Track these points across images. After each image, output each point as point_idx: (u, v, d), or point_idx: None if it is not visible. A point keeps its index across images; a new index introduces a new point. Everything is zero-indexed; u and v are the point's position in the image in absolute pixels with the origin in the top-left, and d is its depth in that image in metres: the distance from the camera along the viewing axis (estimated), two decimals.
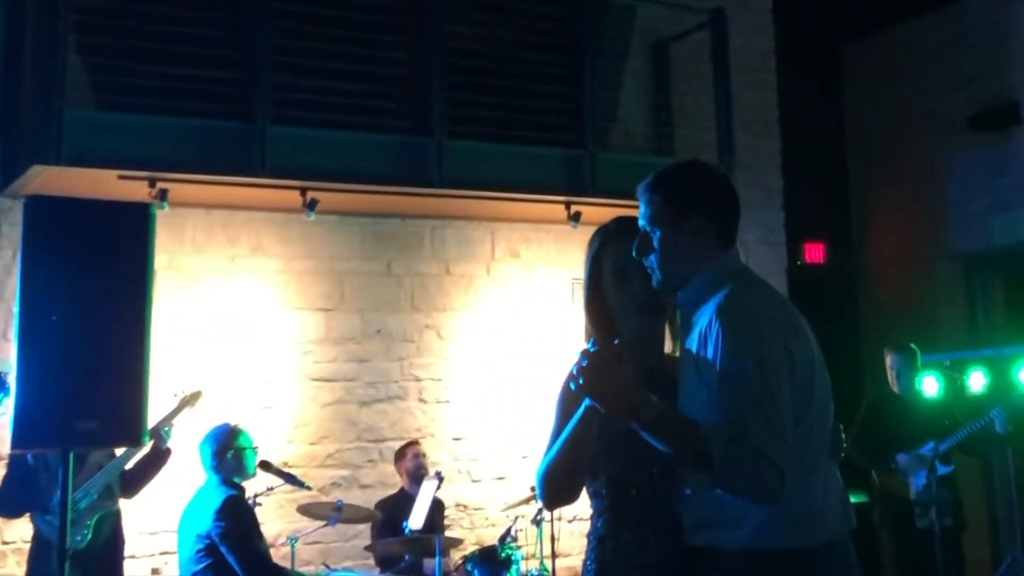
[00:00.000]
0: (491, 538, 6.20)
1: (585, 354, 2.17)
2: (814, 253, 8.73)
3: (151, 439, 5.05)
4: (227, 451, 5.14)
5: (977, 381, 6.40)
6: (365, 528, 6.06)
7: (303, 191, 5.94)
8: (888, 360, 6.35)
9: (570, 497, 2.44)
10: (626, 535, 2.38)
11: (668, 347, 2.56)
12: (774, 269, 7.62)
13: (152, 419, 3.90)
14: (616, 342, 2.24)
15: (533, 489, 2.58)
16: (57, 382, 3.28)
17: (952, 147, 8.34)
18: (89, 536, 5.03)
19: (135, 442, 3.81)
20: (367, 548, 5.89)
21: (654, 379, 2.36)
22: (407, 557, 5.56)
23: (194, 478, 5.24)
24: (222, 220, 6.33)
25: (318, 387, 6.49)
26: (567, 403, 2.38)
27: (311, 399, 6.47)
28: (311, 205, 5.99)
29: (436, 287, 6.86)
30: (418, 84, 6.27)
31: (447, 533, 6.10)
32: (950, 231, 8.43)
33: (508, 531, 5.74)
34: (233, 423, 5.31)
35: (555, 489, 2.41)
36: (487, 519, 6.74)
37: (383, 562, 5.79)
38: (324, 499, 5.94)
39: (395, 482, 6.28)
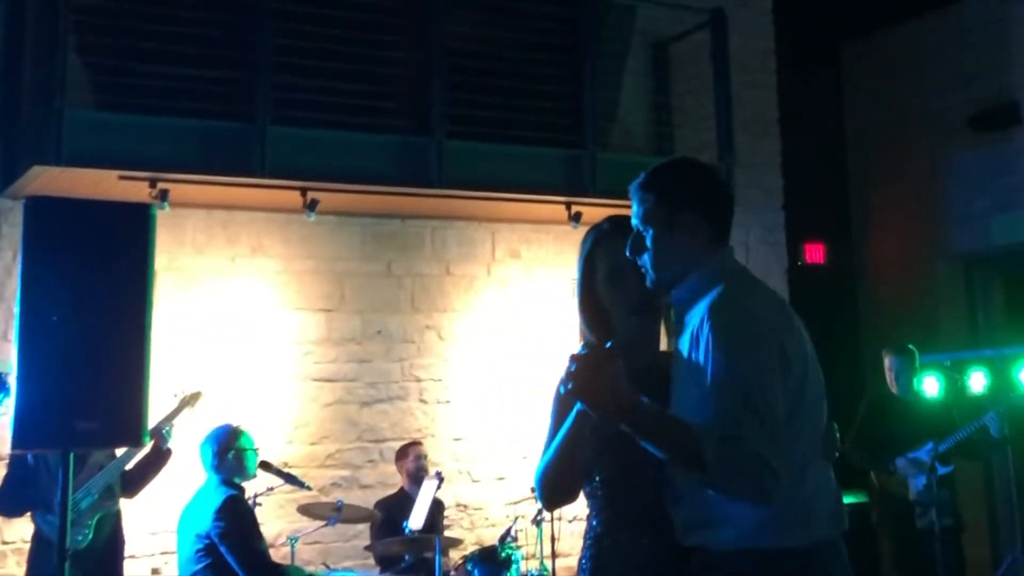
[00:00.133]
0: (491, 538, 6.21)
1: (574, 358, 2.16)
2: (814, 253, 8.74)
3: (152, 439, 5.05)
4: (228, 452, 5.15)
5: (978, 381, 6.40)
6: (365, 528, 6.06)
7: (303, 191, 5.94)
8: (886, 361, 6.33)
9: (568, 498, 2.44)
10: (622, 535, 2.38)
11: (664, 345, 2.55)
12: (774, 269, 7.61)
13: (152, 419, 3.90)
14: (608, 344, 2.24)
15: (533, 490, 2.57)
16: (57, 382, 3.28)
17: (952, 147, 8.35)
18: (90, 536, 5.03)
19: (135, 442, 3.81)
20: (367, 548, 5.89)
21: (649, 378, 2.35)
22: (407, 557, 5.56)
23: (194, 478, 5.25)
24: (222, 220, 6.33)
25: (318, 387, 6.49)
26: (562, 405, 2.37)
27: (311, 399, 6.47)
28: (311, 205, 5.99)
29: (436, 288, 6.86)
30: (418, 84, 6.27)
31: (447, 533, 6.11)
32: (950, 231, 8.44)
33: (508, 531, 5.74)
34: (234, 424, 5.31)
35: (552, 491, 2.41)
36: (487, 519, 6.75)
37: (383, 562, 5.79)
38: (324, 499, 5.95)
39: (395, 482, 6.28)
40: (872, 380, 7.16)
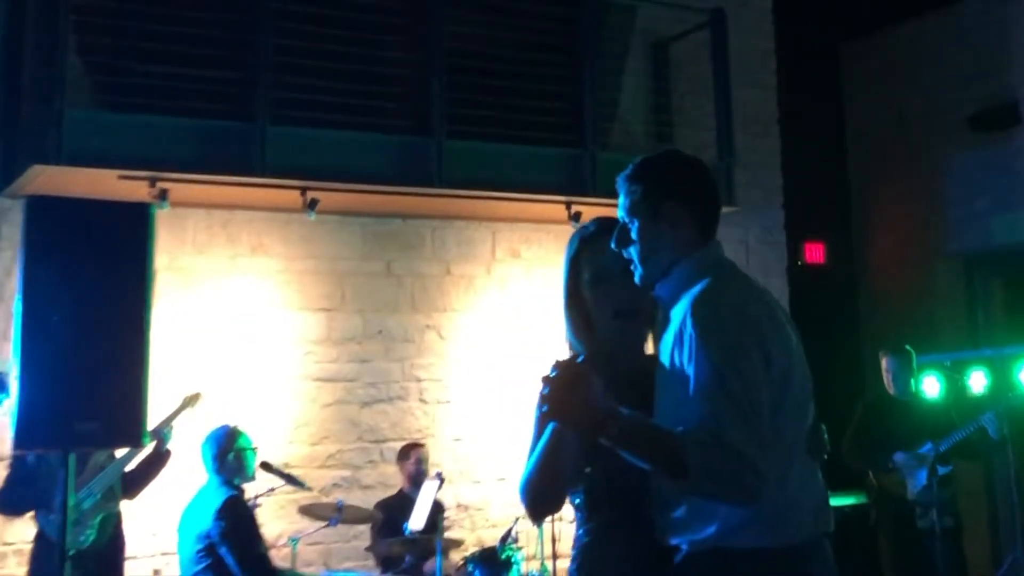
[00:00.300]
0: (492, 539, 6.21)
1: (545, 380, 2.15)
2: (814, 253, 8.74)
3: (152, 440, 5.05)
4: (228, 453, 5.14)
5: (978, 381, 6.39)
6: (366, 529, 6.05)
7: (303, 191, 5.94)
8: (884, 362, 6.31)
9: (553, 508, 2.43)
10: (610, 544, 2.35)
11: (650, 348, 2.52)
12: (774, 269, 7.61)
13: (153, 420, 3.90)
14: (580, 359, 2.23)
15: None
16: (57, 383, 3.27)
17: (952, 147, 8.35)
18: (93, 536, 5.03)
19: (135, 443, 3.80)
20: (368, 549, 5.89)
21: (633, 382, 2.33)
22: (408, 558, 5.55)
23: (195, 479, 5.24)
24: (223, 220, 6.33)
25: (319, 387, 6.49)
26: (543, 419, 2.34)
27: (312, 399, 6.46)
28: (312, 205, 5.99)
29: (437, 287, 6.86)
30: (418, 84, 6.27)
31: (447, 534, 6.10)
32: (950, 231, 8.44)
33: (509, 532, 5.74)
34: (233, 424, 5.31)
35: (536, 501, 2.38)
36: (488, 520, 6.74)
37: (384, 563, 5.79)
38: (325, 500, 5.93)
39: (396, 483, 6.28)
40: (871, 380, 7.15)
